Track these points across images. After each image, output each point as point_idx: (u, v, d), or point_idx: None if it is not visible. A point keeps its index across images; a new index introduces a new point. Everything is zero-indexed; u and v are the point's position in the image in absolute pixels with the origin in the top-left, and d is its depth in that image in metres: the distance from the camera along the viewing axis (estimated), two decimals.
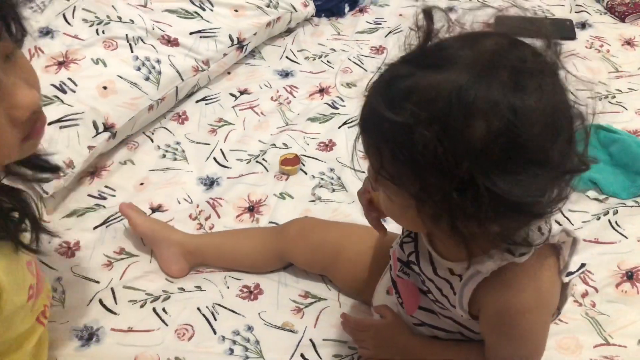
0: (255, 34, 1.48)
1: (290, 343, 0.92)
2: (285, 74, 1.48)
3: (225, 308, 0.97)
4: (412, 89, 0.52)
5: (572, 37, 1.56)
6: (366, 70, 1.47)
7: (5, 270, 0.64)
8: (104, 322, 0.94)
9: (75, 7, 1.31)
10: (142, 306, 0.97)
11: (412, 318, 0.79)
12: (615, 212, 1.10)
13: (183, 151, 1.27)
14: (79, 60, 1.24)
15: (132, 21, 1.32)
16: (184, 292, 0.99)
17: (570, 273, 0.66)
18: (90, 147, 1.16)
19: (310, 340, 0.93)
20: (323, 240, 0.98)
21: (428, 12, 0.58)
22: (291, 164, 1.21)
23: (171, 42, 1.34)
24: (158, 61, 1.30)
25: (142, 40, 1.31)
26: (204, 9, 1.41)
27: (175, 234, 1.05)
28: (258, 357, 0.90)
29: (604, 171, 1.16)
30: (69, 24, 1.29)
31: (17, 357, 0.75)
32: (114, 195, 1.17)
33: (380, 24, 1.66)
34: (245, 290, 1.00)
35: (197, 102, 1.39)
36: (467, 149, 0.51)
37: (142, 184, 1.20)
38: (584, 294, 0.97)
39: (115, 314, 0.96)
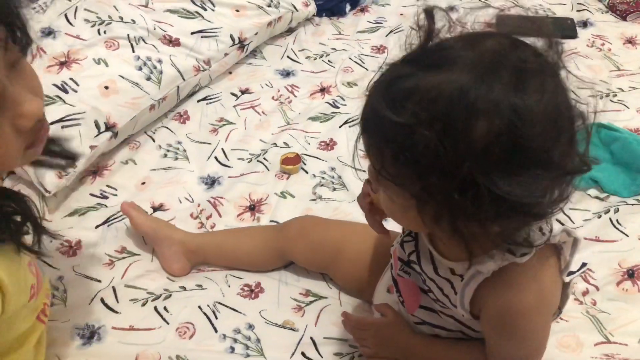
0: (256, 34, 1.48)
1: (291, 341, 0.92)
2: (287, 74, 1.48)
3: (226, 306, 0.97)
4: (413, 89, 0.53)
5: (574, 36, 1.56)
6: (367, 70, 1.47)
7: (8, 272, 0.65)
8: (106, 320, 0.95)
9: (77, 7, 1.32)
10: (143, 305, 0.97)
11: (413, 317, 0.79)
12: (617, 211, 1.09)
13: (184, 150, 1.27)
14: (80, 60, 1.24)
15: (133, 21, 1.32)
16: (185, 290, 1.00)
17: (572, 273, 0.66)
18: (92, 147, 1.16)
19: (311, 338, 0.93)
20: (324, 238, 0.98)
21: (429, 12, 0.58)
22: (292, 163, 1.22)
23: (172, 42, 1.35)
24: (159, 61, 1.31)
25: (143, 40, 1.32)
26: (205, 9, 1.42)
27: (177, 233, 1.05)
28: (259, 356, 0.91)
29: (605, 170, 1.16)
30: (70, 24, 1.30)
31: (18, 356, 0.76)
32: (116, 195, 1.17)
33: (381, 23, 1.66)
34: (246, 288, 1.00)
35: (198, 101, 1.39)
36: (469, 149, 0.51)
37: (143, 183, 1.20)
38: (585, 292, 0.97)
39: (116, 312, 0.96)
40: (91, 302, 0.97)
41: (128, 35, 1.30)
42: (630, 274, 0.99)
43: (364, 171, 0.66)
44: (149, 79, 1.27)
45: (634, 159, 1.15)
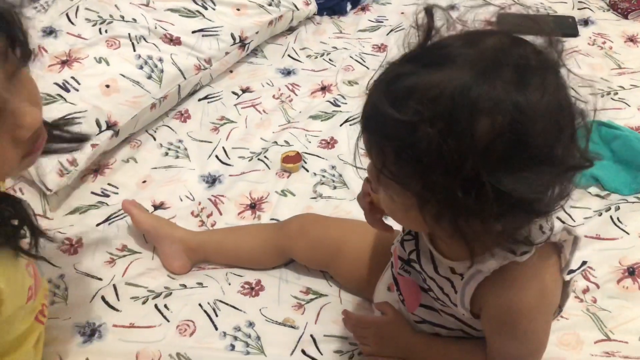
0: (257, 33, 1.48)
1: (291, 339, 0.93)
2: (287, 72, 1.49)
3: (227, 304, 0.97)
4: (415, 87, 0.53)
5: (575, 34, 1.56)
6: (368, 68, 1.47)
7: (5, 276, 0.65)
8: (106, 318, 0.95)
9: (78, 6, 1.32)
10: (144, 302, 0.97)
11: (414, 315, 0.79)
12: (617, 209, 1.09)
13: (185, 149, 1.27)
14: (82, 59, 1.25)
15: (134, 20, 1.33)
16: (185, 288, 1.00)
17: (572, 271, 0.66)
18: (93, 145, 1.17)
19: (311, 336, 0.93)
20: (324, 236, 0.98)
21: (429, 10, 0.58)
22: (293, 161, 1.22)
23: (173, 40, 1.35)
24: (160, 60, 1.31)
25: (144, 39, 1.32)
26: (206, 8, 1.42)
27: (178, 231, 1.05)
28: (259, 353, 0.91)
29: (606, 167, 1.16)
30: (72, 23, 1.30)
31: (18, 356, 0.76)
32: (117, 193, 1.18)
33: (382, 22, 1.66)
34: (246, 286, 1.00)
35: (199, 100, 1.40)
36: (471, 146, 0.51)
37: (144, 181, 1.21)
38: (585, 290, 0.97)
39: (117, 310, 0.96)
40: (92, 300, 0.98)
41: (129, 34, 1.31)
42: (631, 272, 0.99)
43: (364, 169, 0.66)
44: (150, 77, 1.28)
45: (634, 156, 1.15)
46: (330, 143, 1.28)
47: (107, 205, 1.15)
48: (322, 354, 0.91)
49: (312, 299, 0.99)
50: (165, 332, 0.93)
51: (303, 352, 0.91)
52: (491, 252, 0.61)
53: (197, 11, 1.41)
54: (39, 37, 1.26)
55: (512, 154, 0.51)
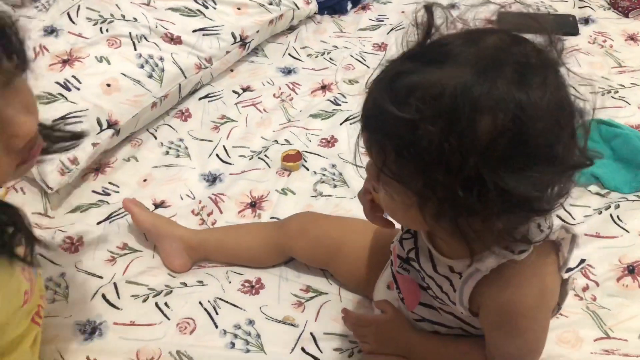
0: (257, 32, 1.48)
1: (291, 337, 0.93)
2: (288, 71, 1.49)
3: (227, 302, 0.97)
4: (416, 85, 0.52)
5: (575, 32, 1.56)
6: (368, 67, 1.47)
7: None
8: (107, 316, 0.95)
9: (79, 6, 1.33)
10: (144, 301, 0.98)
11: (413, 314, 0.79)
12: (617, 207, 1.09)
13: (186, 148, 1.28)
14: (83, 59, 1.25)
15: (135, 19, 1.33)
16: (186, 286, 1.00)
17: (570, 269, 0.66)
18: (94, 144, 1.17)
19: (311, 334, 0.93)
20: (324, 234, 0.98)
21: (429, 8, 0.58)
22: (293, 160, 1.22)
23: (174, 40, 1.35)
24: (161, 59, 1.31)
25: (145, 38, 1.32)
26: (206, 7, 1.42)
27: (178, 230, 1.05)
28: (259, 351, 0.91)
29: (606, 166, 1.15)
30: (73, 22, 1.30)
31: (16, 357, 0.76)
32: (118, 192, 1.18)
33: (383, 21, 1.66)
34: (246, 284, 1.01)
35: (200, 99, 1.40)
36: (473, 144, 0.51)
37: (145, 180, 1.21)
38: (585, 288, 0.97)
39: (117, 308, 0.97)
40: (93, 298, 0.98)
41: (130, 33, 1.31)
42: (631, 270, 0.99)
43: (365, 168, 0.66)
44: (150, 76, 1.28)
45: (634, 155, 1.15)
46: (330, 142, 1.28)
47: (108, 203, 1.15)
48: (322, 352, 0.91)
49: (312, 297, 0.99)
50: (165, 330, 0.93)
51: (303, 350, 0.91)
52: (490, 250, 0.61)
53: (198, 10, 1.41)
54: (40, 36, 1.27)
55: (513, 152, 0.51)
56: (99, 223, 1.11)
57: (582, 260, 0.69)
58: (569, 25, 1.56)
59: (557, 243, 0.65)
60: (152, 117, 1.31)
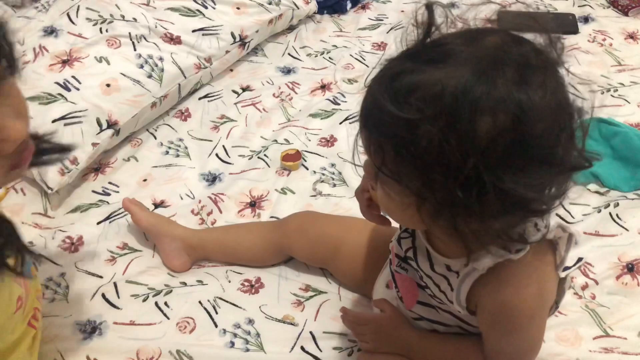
0: (257, 31, 1.48)
1: (290, 336, 0.93)
2: (287, 71, 1.49)
3: (227, 302, 0.98)
4: (417, 84, 0.52)
5: (575, 31, 1.56)
6: (368, 67, 1.47)
7: None
8: (107, 316, 0.95)
9: (79, 6, 1.33)
10: (144, 300, 0.98)
11: (411, 312, 0.79)
12: (616, 205, 1.09)
13: (186, 148, 1.28)
14: (82, 59, 1.25)
15: (135, 19, 1.33)
16: (185, 286, 1.00)
17: (567, 268, 0.66)
18: (94, 144, 1.17)
19: (311, 333, 0.93)
20: (323, 233, 0.98)
21: (430, 6, 0.58)
22: (292, 159, 1.22)
23: (174, 39, 1.35)
24: (161, 59, 1.31)
25: (145, 38, 1.33)
26: (206, 7, 1.42)
27: (178, 229, 1.05)
28: (259, 350, 0.91)
29: (606, 164, 1.15)
30: (73, 23, 1.31)
31: (14, 358, 0.77)
32: (118, 191, 1.18)
33: (382, 20, 1.66)
34: (246, 284, 1.01)
35: (199, 99, 1.40)
36: (473, 145, 0.50)
37: (145, 180, 1.21)
38: (584, 286, 0.97)
39: (117, 308, 0.97)
40: (92, 298, 0.98)
41: (129, 33, 1.31)
42: (630, 268, 0.99)
43: (363, 166, 0.66)
44: (150, 76, 1.28)
45: (634, 153, 1.15)
46: (330, 141, 1.28)
47: (108, 203, 1.16)
48: (321, 351, 0.91)
49: (311, 296, 0.99)
50: (165, 330, 0.94)
51: (302, 349, 0.91)
52: (486, 250, 0.61)
53: (197, 10, 1.41)
54: (40, 36, 1.27)
55: (513, 152, 0.51)
56: (99, 223, 1.12)
57: (580, 259, 0.69)
58: (568, 24, 1.56)
59: (554, 242, 0.64)
60: (151, 117, 1.32)
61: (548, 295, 0.67)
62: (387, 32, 1.60)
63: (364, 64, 1.49)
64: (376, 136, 0.57)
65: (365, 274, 0.95)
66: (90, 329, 0.94)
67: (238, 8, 1.46)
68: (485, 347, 0.73)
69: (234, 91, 1.42)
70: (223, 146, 1.28)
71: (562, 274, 0.66)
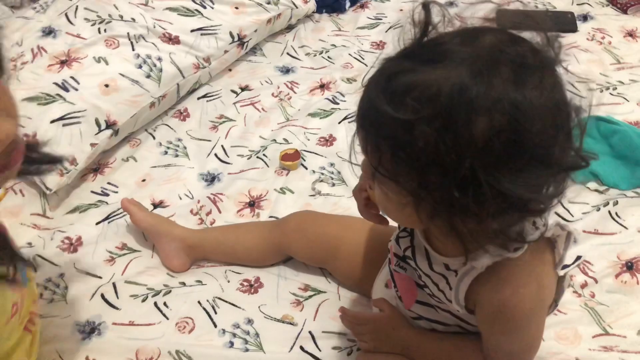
0: (256, 31, 1.48)
1: (289, 335, 0.93)
2: (286, 70, 1.49)
3: (226, 301, 0.97)
4: (413, 85, 0.52)
5: (574, 29, 1.55)
6: (367, 66, 1.47)
7: None
8: (106, 316, 0.96)
9: (77, 6, 1.33)
10: (143, 300, 0.98)
11: (410, 312, 0.79)
12: (616, 203, 1.09)
13: (184, 148, 1.28)
14: (81, 59, 1.25)
15: (133, 20, 1.33)
16: (184, 286, 1.00)
17: (566, 266, 0.66)
18: (92, 145, 1.17)
19: (310, 332, 0.93)
20: (322, 233, 0.98)
21: (427, 6, 0.58)
22: (291, 159, 1.22)
23: (172, 39, 1.35)
24: (159, 59, 1.31)
25: (143, 38, 1.32)
26: (204, 7, 1.42)
27: (177, 229, 1.05)
28: (258, 350, 0.91)
29: (605, 162, 1.15)
30: (71, 23, 1.31)
31: None
32: (116, 192, 1.18)
33: (381, 19, 1.66)
34: (245, 283, 1.01)
35: (198, 99, 1.40)
36: (470, 145, 0.50)
37: (144, 180, 1.21)
38: (583, 285, 0.97)
39: (116, 308, 0.97)
40: (92, 298, 0.98)
41: (128, 33, 1.31)
42: (629, 266, 0.99)
43: (360, 166, 0.66)
44: (149, 76, 1.28)
45: (633, 151, 1.15)
46: (329, 140, 1.28)
47: (107, 204, 1.16)
48: (320, 351, 0.91)
49: (310, 296, 0.99)
50: (164, 330, 0.94)
51: (302, 348, 0.91)
52: (485, 249, 0.61)
53: (196, 10, 1.41)
54: (38, 37, 1.27)
55: (510, 152, 0.51)
56: (97, 223, 1.12)
57: (579, 257, 0.69)
58: (567, 22, 1.56)
59: (552, 240, 0.64)
60: (150, 117, 1.32)
61: (547, 293, 0.67)
62: (386, 31, 1.60)
63: (362, 63, 1.49)
64: (373, 136, 0.57)
65: (364, 274, 0.95)
66: (90, 330, 0.94)
67: (236, 8, 1.46)
68: (484, 346, 0.73)
69: (233, 91, 1.42)
70: (222, 146, 1.28)
71: (561, 272, 0.66)
